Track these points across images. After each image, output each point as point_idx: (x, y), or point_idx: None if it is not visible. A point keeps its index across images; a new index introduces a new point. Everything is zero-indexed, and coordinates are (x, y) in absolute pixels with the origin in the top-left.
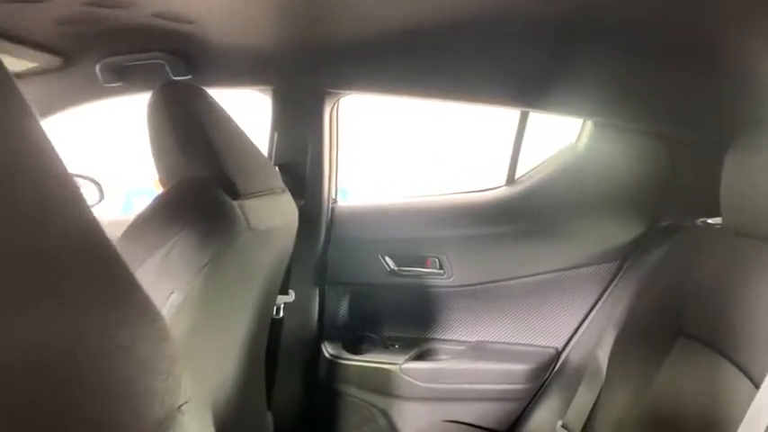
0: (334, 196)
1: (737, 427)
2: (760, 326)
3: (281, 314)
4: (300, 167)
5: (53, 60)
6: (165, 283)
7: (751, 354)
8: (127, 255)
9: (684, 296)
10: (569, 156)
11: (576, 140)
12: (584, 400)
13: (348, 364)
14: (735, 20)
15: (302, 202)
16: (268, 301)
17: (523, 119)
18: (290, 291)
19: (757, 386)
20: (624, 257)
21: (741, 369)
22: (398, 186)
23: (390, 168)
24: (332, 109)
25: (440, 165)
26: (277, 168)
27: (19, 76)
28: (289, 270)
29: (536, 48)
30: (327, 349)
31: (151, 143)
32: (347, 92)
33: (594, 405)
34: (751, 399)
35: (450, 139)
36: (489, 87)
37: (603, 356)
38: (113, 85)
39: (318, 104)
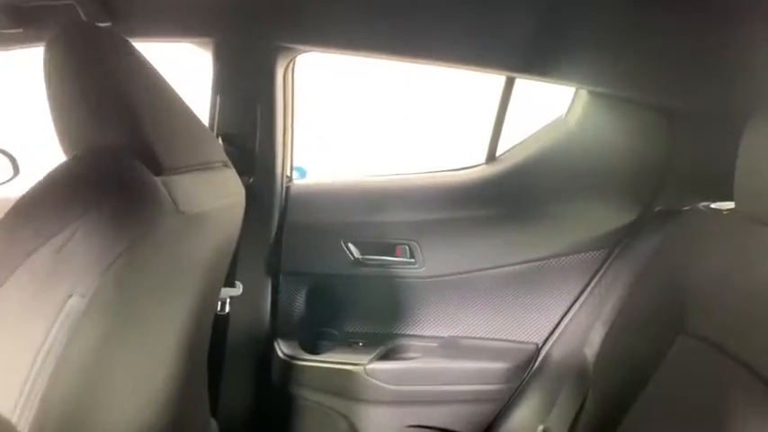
0: (288, 173)
1: None
2: None
3: (227, 309)
4: (248, 138)
5: None
6: (61, 282)
7: None
8: (6, 244)
9: (686, 289)
10: (558, 131)
11: (567, 113)
12: (568, 403)
13: (305, 365)
14: None
15: (250, 180)
16: (209, 296)
17: (508, 87)
18: (238, 283)
19: None
20: (614, 244)
21: (757, 375)
22: (364, 164)
23: (356, 143)
24: (286, 68)
25: (412, 139)
26: (220, 139)
27: None
28: (235, 259)
29: (524, 3)
30: (281, 348)
31: (49, 101)
32: (305, 48)
33: (580, 409)
34: None
35: (425, 111)
36: (469, 48)
37: (591, 355)
38: (10, 31)
39: (270, 62)
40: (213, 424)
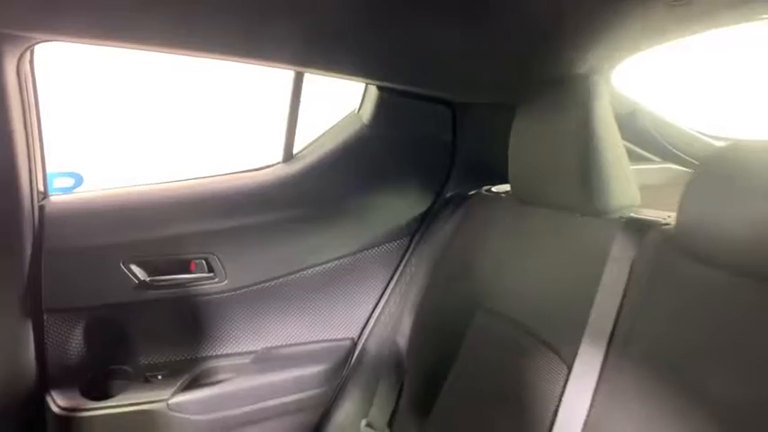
0: (41, 188)
1: (540, 396)
2: (552, 293)
3: None
4: None
5: None
6: None
7: (548, 322)
8: None
9: (478, 268)
10: (352, 126)
11: (359, 109)
12: (387, 393)
13: (91, 416)
14: None
15: None
16: None
17: (298, 81)
18: None
19: (557, 353)
20: (413, 233)
21: (539, 339)
22: (142, 169)
23: (131, 143)
24: (20, 60)
25: (199, 138)
26: None
27: None
28: None
29: None
30: (56, 401)
31: None
32: (39, 36)
33: (399, 396)
34: (553, 367)
35: (212, 106)
36: (250, 40)
37: (403, 343)
38: None
39: None
40: None
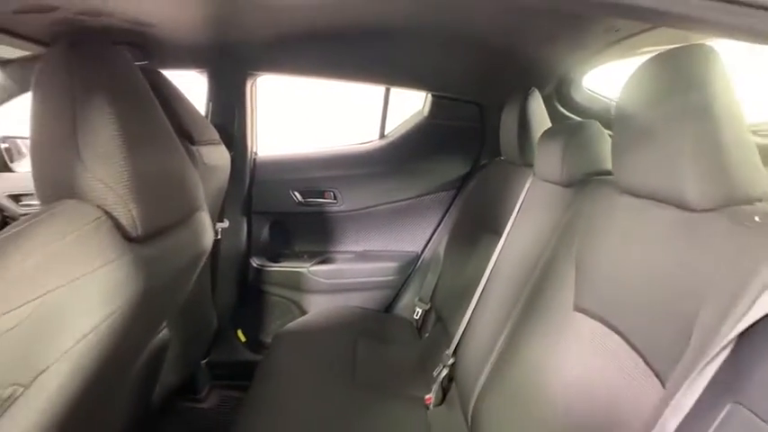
0: (255, 150)
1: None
2: (508, 214)
3: (219, 236)
4: (229, 128)
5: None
6: None
7: (507, 228)
8: None
9: (487, 207)
10: (419, 118)
11: (423, 107)
12: (430, 281)
13: (270, 270)
14: (497, 20)
15: (232, 154)
16: (213, 222)
17: (387, 92)
18: (225, 219)
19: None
20: (459, 187)
21: (498, 234)
22: (302, 142)
23: (296, 129)
24: (252, 85)
25: (332, 127)
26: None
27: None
28: (223, 204)
29: (394, 43)
30: (254, 261)
31: None
32: (265, 73)
33: (437, 284)
34: (499, 253)
35: (337, 108)
36: (363, 69)
37: (442, 252)
38: None
39: (242, 82)
40: (214, 313)
